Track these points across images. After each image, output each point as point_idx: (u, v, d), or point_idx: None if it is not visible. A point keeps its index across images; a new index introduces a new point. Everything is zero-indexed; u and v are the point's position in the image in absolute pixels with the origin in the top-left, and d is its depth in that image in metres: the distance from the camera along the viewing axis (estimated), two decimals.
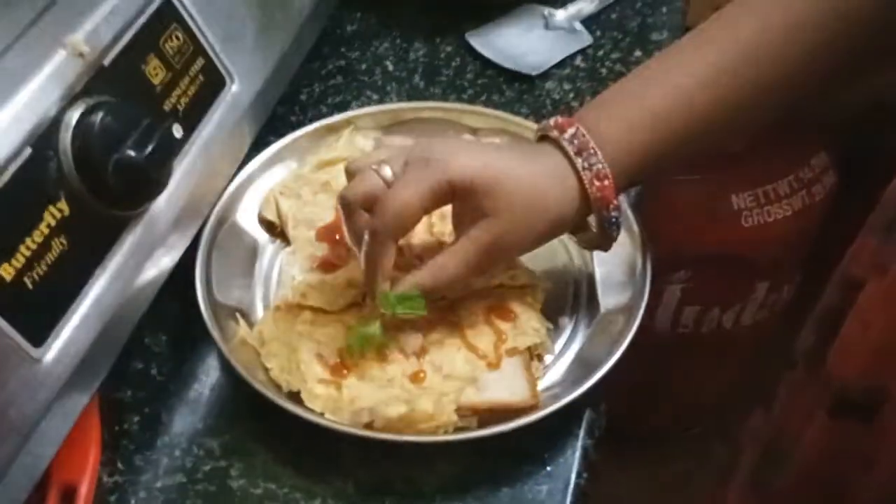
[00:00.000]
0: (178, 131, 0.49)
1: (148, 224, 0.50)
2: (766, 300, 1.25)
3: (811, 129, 1.19)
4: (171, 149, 0.49)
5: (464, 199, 0.50)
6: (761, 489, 0.57)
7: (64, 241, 0.44)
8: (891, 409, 0.48)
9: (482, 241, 0.49)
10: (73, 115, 0.45)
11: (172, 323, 0.57)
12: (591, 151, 0.51)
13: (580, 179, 0.51)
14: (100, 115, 0.45)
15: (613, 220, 0.52)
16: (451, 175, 0.49)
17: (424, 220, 0.55)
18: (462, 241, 0.50)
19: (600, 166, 0.51)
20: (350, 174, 0.54)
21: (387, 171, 0.50)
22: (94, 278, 0.47)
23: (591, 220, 0.54)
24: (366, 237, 0.50)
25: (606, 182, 0.51)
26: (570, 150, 0.51)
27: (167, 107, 0.52)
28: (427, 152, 0.50)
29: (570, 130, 0.52)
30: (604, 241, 0.54)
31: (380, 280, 0.50)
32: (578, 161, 0.51)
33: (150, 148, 0.47)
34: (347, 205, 0.52)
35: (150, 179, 0.48)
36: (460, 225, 0.52)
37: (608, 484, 0.63)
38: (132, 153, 0.46)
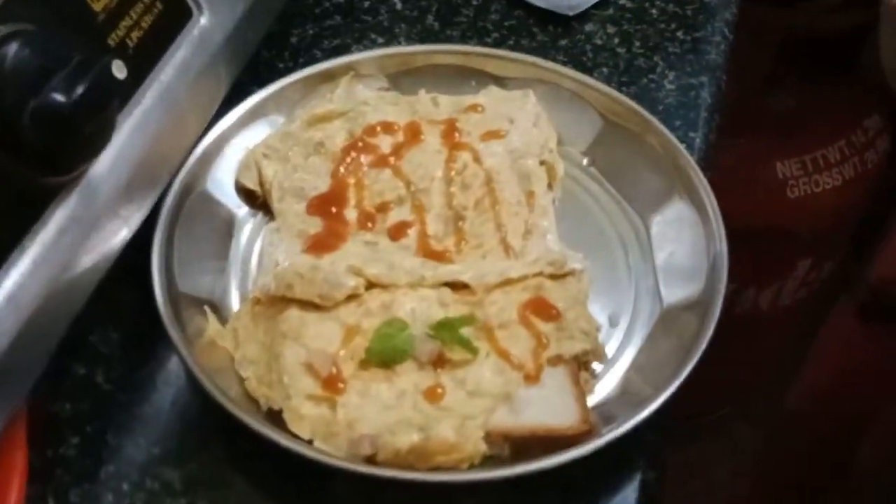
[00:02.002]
0: (119, 70, 0.39)
1: (85, 193, 0.41)
2: (806, 278, 1.16)
3: (862, 88, 1.09)
4: (111, 93, 0.39)
5: None
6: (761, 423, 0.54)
7: None
8: None
9: None
10: None
11: (126, 318, 0.48)
12: None
13: None
14: (14, 47, 0.37)
15: None
16: None
17: (444, 191, 0.49)
18: None
19: None
20: None
21: None
22: (10, 264, 0.38)
23: None
24: None
25: None
26: None
27: (112, 41, 0.43)
28: None
29: None
30: None
31: None
32: None
33: (80, 90, 0.37)
34: None
35: (83, 133, 0.38)
36: None
37: None
38: (56, 97, 0.37)
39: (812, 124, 1.06)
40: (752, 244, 1.08)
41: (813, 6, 1.05)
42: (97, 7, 0.42)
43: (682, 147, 0.51)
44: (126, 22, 0.43)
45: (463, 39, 0.62)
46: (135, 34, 0.44)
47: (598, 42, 0.62)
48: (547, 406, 0.42)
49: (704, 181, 0.50)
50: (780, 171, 1.04)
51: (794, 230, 1.09)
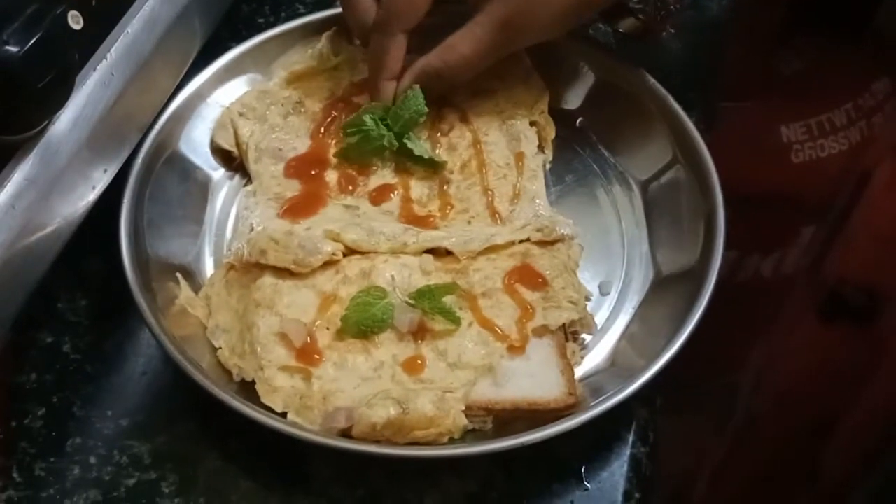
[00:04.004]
0: (76, 21, 0.36)
1: (45, 153, 0.39)
2: (810, 247, 1.13)
3: (871, 49, 1.05)
4: (66, 45, 0.36)
5: None
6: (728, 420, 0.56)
7: None
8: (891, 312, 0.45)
9: (496, 16, 0.47)
10: None
11: (95, 284, 0.47)
12: None
13: None
14: None
15: None
16: None
17: None
18: (476, 18, 0.47)
19: None
20: None
21: None
22: None
23: None
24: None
25: None
26: None
27: None
28: None
29: None
30: (650, 25, 0.48)
31: (384, 77, 0.48)
32: None
33: (32, 41, 0.34)
34: None
35: (37, 88, 0.36)
36: (475, 5, 0.48)
37: None
38: (8, 48, 0.35)
39: (819, 87, 1.03)
40: (755, 210, 1.07)
41: None
42: None
43: (679, 108, 0.49)
44: None
45: None
46: None
47: None
48: (531, 378, 0.40)
49: (703, 145, 0.48)
50: (784, 136, 1.01)
51: (798, 196, 1.06)
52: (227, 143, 0.50)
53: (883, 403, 0.46)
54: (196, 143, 0.50)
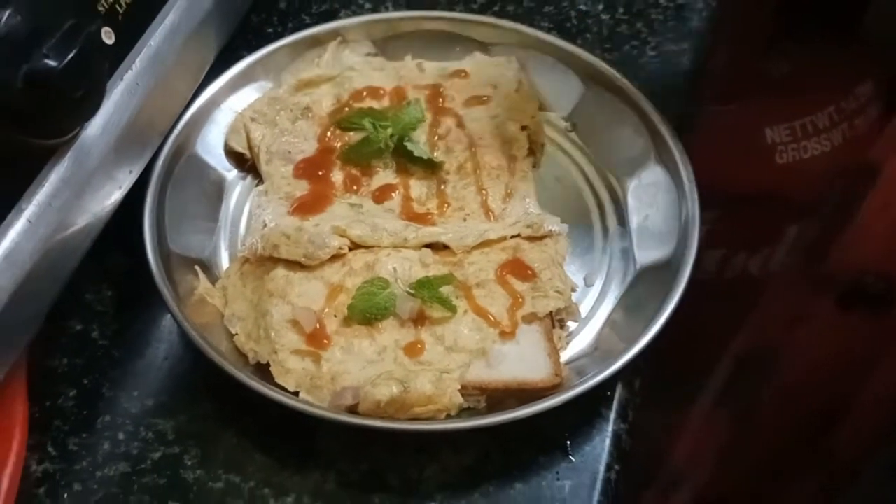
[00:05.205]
0: (108, 36, 0.40)
1: (78, 155, 0.42)
2: (796, 244, 1.16)
3: (856, 55, 1.08)
4: (100, 58, 0.40)
5: None
6: (734, 406, 0.56)
7: None
8: None
9: None
10: None
11: (120, 276, 0.50)
12: None
13: None
14: (6, 14, 0.37)
15: None
16: None
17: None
18: None
19: None
20: None
21: None
22: (7, 224, 0.39)
23: None
24: None
25: None
26: None
27: (103, 7, 0.44)
28: None
29: None
30: None
31: None
32: None
33: (70, 56, 0.37)
34: None
35: (74, 97, 0.39)
36: None
37: None
38: (48, 62, 0.38)
39: (803, 90, 1.05)
40: (742, 210, 1.09)
41: None
42: None
43: (659, 114, 0.52)
44: None
45: (450, 5, 0.63)
46: (124, 0, 0.44)
47: (583, 8, 0.62)
48: (521, 361, 0.43)
49: (680, 147, 0.51)
50: (769, 137, 1.04)
51: (782, 196, 1.09)
52: (241, 146, 0.53)
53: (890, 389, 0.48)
54: (211, 146, 0.52)
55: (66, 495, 0.42)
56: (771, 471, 0.52)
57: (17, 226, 0.39)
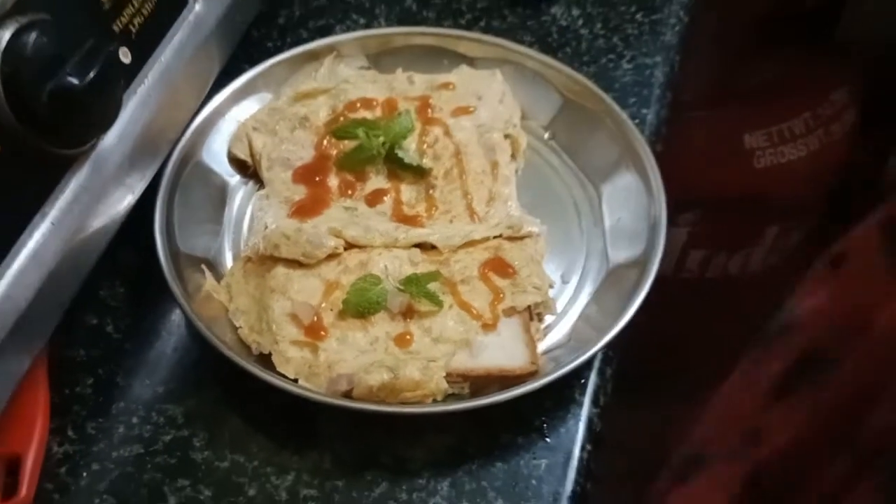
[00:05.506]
0: (125, 56, 0.43)
1: (96, 163, 0.45)
2: (775, 245, 1.20)
3: (832, 62, 1.12)
4: (118, 76, 0.43)
5: None
6: (803, 389, 0.53)
7: None
8: None
9: None
10: (3, 36, 0.40)
11: (131, 274, 0.53)
12: None
13: None
14: (33, 35, 0.40)
15: None
16: None
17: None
18: None
19: None
20: None
21: None
22: (33, 226, 0.42)
23: None
24: None
25: None
26: None
27: (118, 27, 0.47)
28: None
29: None
30: None
31: None
32: None
33: (91, 74, 0.41)
34: None
35: (93, 111, 0.43)
36: None
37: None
38: (71, 80, 0.41)
39: (780, 97, 1.09)
40: (722, 212, 1.14)
41: None
42: None
43: (631, 123, 0.56)
44: (129, 10, 0.47)
45: (439, 20, 0.66)
46: (137, 21, 0.47)
47: (564, 23, 0.66)
48: (501, 350, 0.47)
49: (650, 154, 0.54)
50: (747, 143, 1.08)
51: (761, 199, 1.12)
52: (243, 154, 0.56)
53: None
54: (216, 154, 0.55)
55: (84, 474, 0.46)
56: (806, 451, 0.52)
57: (42, 228, 0.42)
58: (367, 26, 0.65)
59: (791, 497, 0.53)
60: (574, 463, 0.46)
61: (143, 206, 0.50)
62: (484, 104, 0.57)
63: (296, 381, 0.46)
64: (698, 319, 1.28)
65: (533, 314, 0.49)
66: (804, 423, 0.53)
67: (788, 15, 1.09)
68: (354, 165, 0.54)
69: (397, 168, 0.54)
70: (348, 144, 0.55)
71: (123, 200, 0.48)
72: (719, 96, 1.09)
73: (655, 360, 1.33)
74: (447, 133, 0.56)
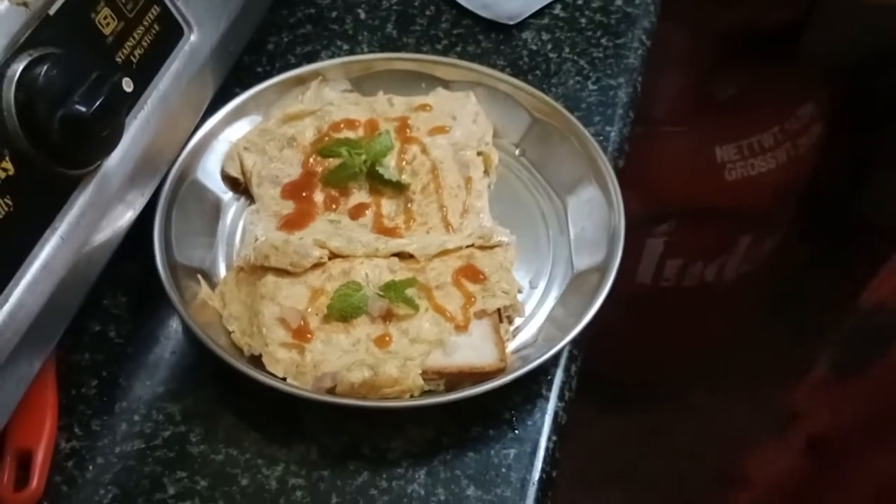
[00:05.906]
0: (128, 85, 0.47)
1: (100, 183, 0.48)
2: (748, 253, 1.25)
3: (798, 78, 1.17)
4: (121, 103, 0.47)
5: None
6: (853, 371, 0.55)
7: (9, 202, 0.43)
8: None
9: None
10: (17, 69, 0.43)
11: (132, 284, 0.56)
12: None
13: None
14: (45, 67, 0.44)
15: None
16: None
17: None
18: None
19: None
20: None
21: None
22: (44, 241, 0.45)
23: None
24: None
25: None
26: None
27: (120, 58, 0.50)
28: None
29: None
30: None
31: None
32: None
33: (98, 102, 0.44)
34: None
35: (99, 135, 0.46)
36: None
37: (584, 428, 0.62)
38: (79, 108, 0.44)
39: (749, 112, 1.13)
40: (696, 223, 1.18)
41: (752, 2, 1.13)
42: (107, 31, 0.49)
43: (594, 141, 0.59)
44: (130, 42, 0.50)
45: (417, 45, 0.69)
46: (137, 52, 0.51)
47: (534, 48, 0.70)
48: (472, 349, 0.50)
49: (611, 170, 0.58)
50: (718, 156, 1.12)
51: (733, 209, 1.17)
52: (235, 172, 0.58)
53: None
54: (210, 173, 0.58)
55: (90, 467, 0.49)
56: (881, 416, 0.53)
57: (53, 241, 0.45)
58: (351, 52, 0.68)
59: None
60: (541, 452, 0.50)
61: (143, 222, 0.53)
62: (459, 124, 0.60)
63: (284, 379, 0.49)
64: (677, 325, 1.32)
65: (502, 316, 0.53)
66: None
67: (756, 31, 1.13)
68: (338, 182, 0.57)
69: (378, 184, 0.58)
70: (333, 162, 0.58)
71: (125, 216, 0.51)
72: (691, 111, 1.13)
73: (637, 366, 1.38)
74: (424, 151, 0.59)
